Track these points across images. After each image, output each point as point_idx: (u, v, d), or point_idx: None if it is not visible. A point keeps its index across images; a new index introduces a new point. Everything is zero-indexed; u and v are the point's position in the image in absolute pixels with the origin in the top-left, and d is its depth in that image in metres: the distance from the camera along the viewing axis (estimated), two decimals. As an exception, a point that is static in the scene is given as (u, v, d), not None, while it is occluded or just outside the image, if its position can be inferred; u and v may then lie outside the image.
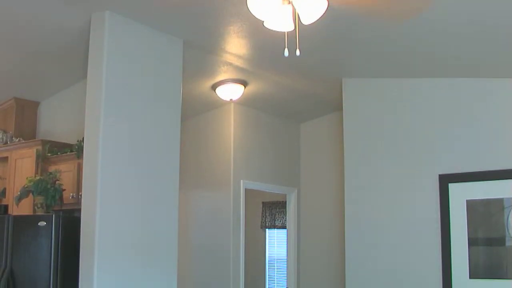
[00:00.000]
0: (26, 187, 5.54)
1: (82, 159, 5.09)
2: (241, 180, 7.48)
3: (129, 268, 4.95)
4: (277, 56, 5.60)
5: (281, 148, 8.32)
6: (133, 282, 4.98)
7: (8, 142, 6.81)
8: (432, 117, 5.84)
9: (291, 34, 3.91)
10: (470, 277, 5.46)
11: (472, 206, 5.51)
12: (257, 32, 5.13)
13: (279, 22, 3.58)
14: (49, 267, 5.01)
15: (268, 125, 8.12)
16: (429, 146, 5.83)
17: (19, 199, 5.59)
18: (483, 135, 5.53)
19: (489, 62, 5.30)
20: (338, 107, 7.28)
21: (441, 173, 5.70)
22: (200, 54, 5.95)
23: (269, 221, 11.05)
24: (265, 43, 5.47)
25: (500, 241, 5.36)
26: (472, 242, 5.47)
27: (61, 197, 5.57)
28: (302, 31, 3.97)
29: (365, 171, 6.23)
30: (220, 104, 7.49)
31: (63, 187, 5.63)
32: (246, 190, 7.65)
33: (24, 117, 7.28)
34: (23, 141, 6.68)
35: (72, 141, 6.20)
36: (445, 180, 5.65)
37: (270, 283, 11.24)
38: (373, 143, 6.21)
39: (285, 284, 8.49)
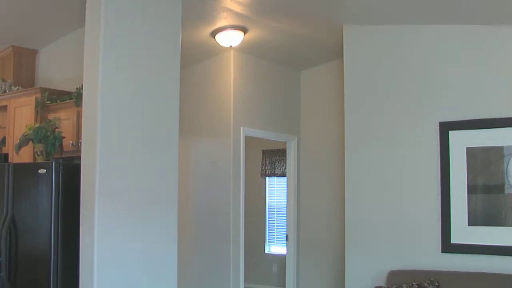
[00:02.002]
0: (26, 135, 5.54)
1: (81, 106, 5.08)
2: (241, 127, 7.47)
3: (129, 214, 5.00)
4: (277, 1, 5.55)
5: (281, 96, 8.29)
6: (133, 228, 5.03)
7: (7, 91, 6.78)
8: (434, 65, 5.80)
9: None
10: (469, 224, 5.50)
11: (472, 154, 5.52)
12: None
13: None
14: (49, 214, 5.04)
15: (268, 73, 8.07)
16: (430, 94, 5.80)
17: (19, 147, 5.59)
18: (484, 82, 5.50)
19: (493, 8, 5.23)
20: (338, 55, 7.24)
21: (441, 120, 5.69)
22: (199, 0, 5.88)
23: (269, 169, 11.11)
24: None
25: (499, 188, 5.38)
26: (471, 189, 5.49)
27: (60, 145, 5.56)
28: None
29: (365, 119, 6.21)
30: (219, 51, 7.43)
31: (63, 135, 5.63)
32: (246, 138, 7.65)
33: (22, 65, 7.24)
34: (22, 90, 6.65)
35: (71, 88, 6.17)
36: (445, 128, 5.65)
37: (270, 230, 11.35)
38: (373, 90, 6.18)
39: (285, 231, 8.56)
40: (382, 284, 5.68)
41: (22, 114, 6.37)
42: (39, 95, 6.24)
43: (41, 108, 6.18)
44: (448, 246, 5.57)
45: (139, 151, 5.14)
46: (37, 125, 5.63)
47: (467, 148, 5.54)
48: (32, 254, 5.19)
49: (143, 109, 5.20)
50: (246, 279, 7.97)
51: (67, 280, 5.06)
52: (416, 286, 5.18)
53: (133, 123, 5.11)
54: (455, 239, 5.55)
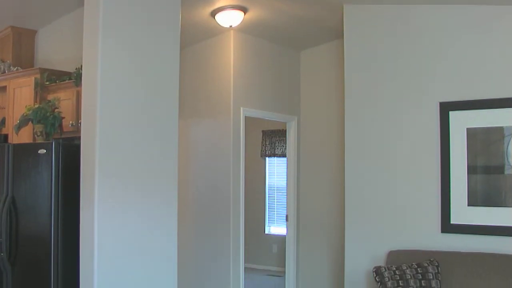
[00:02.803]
0: (25, 115, 5.53)
1: (81, 87, 5.06)
2: (241, 108, 7.45)
3: (129, 192, 5.01)
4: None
5: (281, 76, 8.26)
6: (133, 206, 5.04)
7: (6, 71, 6.76)
8: (434, 45, 5.78)
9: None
10: (469, 205, 5.51)
11: (472, 134, 5.51)
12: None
13: None
14: (49, 194, 5.05)
15: (268, 53, 8.05)
16: (430, 74, 5.78)
17: (19, 127, 5.59)
18: (485, 63, 5.49)
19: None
20: (338, 35, 7.20)
21: (441, 100, 5.68)
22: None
23: (269, 150, 11.13)
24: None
25: (499, 169, 5.38)
26: (471, 170, 5.50)
27: (60, 125, 5.56)
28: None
29: (365, 100, 6.20)
30: (219, 32, 7.40)
31: (62, 115, 5.62)
32: (246, 119, 7.64)
33: (22, 46, 7.21)
34: (21, 70, 6.63)
35: (71, 69, 6.15)
36: (445, 108, 5.64)
37: (270, 211, 11.38)
38: (374, 71, 6.16)
39: (285, 212, 8.58)
40: (382, 264, 5.71)
41: (22, 94, 6.36)
42: (38, 76, 6.22)
43: (41, 89, 6.17)
44: (447, 226, 5.59)
45: (139, 131, 5.13)
46: (37, 105, 5.62)
47: (467, 128, 5.54)
48: (33, 234, 5.21)
49: (143, 89, 5.19)
50: (246, 260, 7.99)
51: (68, 259, 5.07)
52: (416, 266, 5.20)
53: (133, 102, 5.10)
54: (454, 219, 5.56)
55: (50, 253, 5.02)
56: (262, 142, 11.26)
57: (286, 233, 8.49)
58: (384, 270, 5.21)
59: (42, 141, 5.38)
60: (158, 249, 5.29)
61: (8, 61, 6.92)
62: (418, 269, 5.17)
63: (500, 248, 5.23)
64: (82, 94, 4.97)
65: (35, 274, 5.18)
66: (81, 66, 5.08)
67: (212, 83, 7.60)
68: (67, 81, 6.02)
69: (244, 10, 6.66)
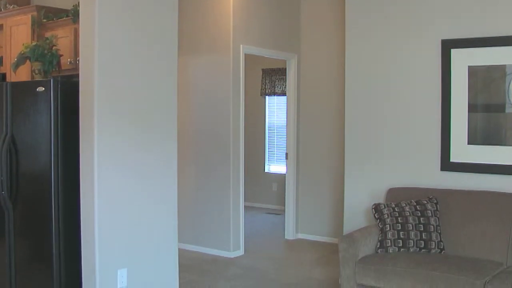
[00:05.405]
0: (23, 53, 5.47)
1: (79, 24, 5.00)
2: (241, 45, 7.39)
3: (129, 131, 5.02)
4: None
5: (281, 13, 8.16)
6: (133, 145, 5.07)
7: (2, 9, 6.67)
8: (437, -19, 5.70)
9: None
10: (469, 143, 5.51)
11: (474, 72, 5.48)
12: None
13: None
14: (49, 132, 5.03)
15: (268, -11, 7.95)
16: (433, 11, 5.71)
17: (16, 66, 5.54)
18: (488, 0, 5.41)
19: None
20: (340, -29, 7.10)
21: (444, 38, 5.62)
22: None
23: (269, 88, 11.08)
24: None
25: (500, 107, 5.37)
26: (472, 108, 5.48)
27: (58, 63, 5.51)
28: None
29: (367, 37, 6.14)
30: (218, -32, 7.29)
31: (60, 53, 5.57)
32: (246, 56, 7.58)
33: (17, -18, 7.10)
34: (18, 8, 6.54)
35: (68, 6, 6.06)
36: (447, 45, 5.58)
37: (270, 150, 11.41)
38: (375, 8, 6.08)
39: (285, 151, 8.60)
40: (381, 201, 5.74)
41: (19, 32, 6.29)
42: (35, 13, 6.15)
43: (38, 26, 6.10)
44: (447, 165, 5.61)
45: (137, 67, 5.11)
46: (34, 43, 5.56)
47: (468, 66, 5.50)
48: (33, 172, 5.22)
49: (141, 25, 5.14)
50: (246, 198, 8.06)
51: (68, 195, 5.09)
52: (415, 203, 5.23)
53: (132, 38, 5.06)
54: (454, 158, 5.58)
55: (50, 191, 5.04)
56: (262, 81, 11.21)
57: (286, 171, 8.53)
58: (383, 207, 5.25)
59: (40, 79, 5.34)
60: (158, 183, 5.33)
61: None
62: (417, 206, 5.21)
63: (499, 186, 5.26)
64: (80, 31, 4.92)
65: (36, 212, 5.21)
66: (78, 3, 5.01)
67: (212, 19, 7.51)
68: (64, 18, 5.95)
69: None
